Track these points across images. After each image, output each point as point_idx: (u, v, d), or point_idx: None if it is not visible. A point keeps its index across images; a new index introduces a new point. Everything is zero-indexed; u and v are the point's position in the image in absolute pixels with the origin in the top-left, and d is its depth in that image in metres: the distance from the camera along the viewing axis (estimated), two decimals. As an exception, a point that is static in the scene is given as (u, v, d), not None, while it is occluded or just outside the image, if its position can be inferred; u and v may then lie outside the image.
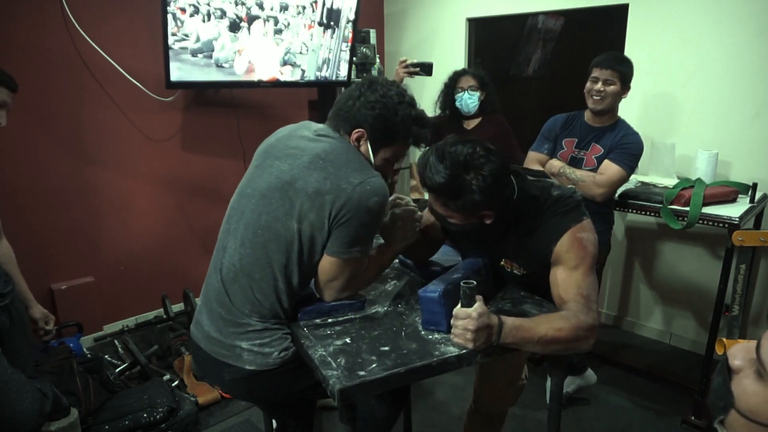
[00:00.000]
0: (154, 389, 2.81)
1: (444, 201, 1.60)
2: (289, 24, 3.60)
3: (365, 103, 1.64)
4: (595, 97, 2.76)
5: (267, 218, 1.61)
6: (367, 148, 1.67)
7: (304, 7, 3.62)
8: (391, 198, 1.81)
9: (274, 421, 2.26)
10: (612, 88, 2.72)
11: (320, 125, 1.76)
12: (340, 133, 1.69)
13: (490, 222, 1.64)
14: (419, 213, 1.85)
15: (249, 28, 3.44)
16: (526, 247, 1.72)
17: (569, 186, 1.77)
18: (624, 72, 2.72)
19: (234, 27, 3.38)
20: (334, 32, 3.82)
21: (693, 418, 2.85)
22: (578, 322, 1.53)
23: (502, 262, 1.86)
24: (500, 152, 1.60)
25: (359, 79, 4.11)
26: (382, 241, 1.87)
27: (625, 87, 2.75)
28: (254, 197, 1.66)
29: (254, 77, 3.60)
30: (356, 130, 1.66)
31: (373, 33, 4.27)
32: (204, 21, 3.26)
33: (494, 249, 1.84)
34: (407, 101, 1.67)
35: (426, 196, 4.43)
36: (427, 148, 1.65)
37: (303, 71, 3.78)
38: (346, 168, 1.58)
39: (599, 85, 2.74)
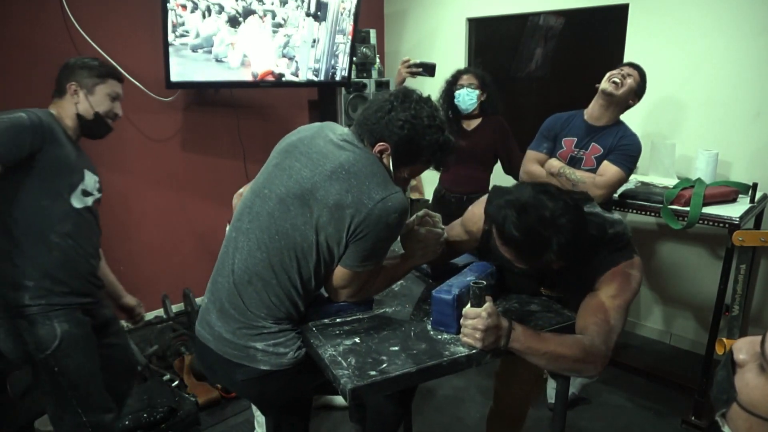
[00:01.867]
0: (154, 389, 2.81)
1: (517, 253, 1.54)
2: (288, 17, 3.59)
3: (395, 120, 1.59)
4: (614, 80, 2.70)
5: (285, 225, 1.58)
6: (388, 162, 1.64)
7: (303, 0, 3.61)
8: (420, 213, 1.79)
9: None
10: (630, 81, 2.70)
11: (345, 130, 1.72)
12: (364, 143, 1.65)
13: (557, 267, 1.59)
14: (445, 236, 1.80)
15: (246, 22, 3.44)
16: (575, 280, 1.69)
17: (617, 216, 1.73)
18: (641, 78, 2.73)
19: (233, 22, 3.38)
20: (326, 24, 3.81)
21: (693, 418, 2.87)
22: (591, 347, 1.51)
23: (542, 291, 1.85)
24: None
25: (359, 80, 4.12)
26: (399, 249, 1.85)
27: (637, 97, 2.75)
28: (271, 200, 1.62)
29: (251, 71, 3.60)
30: (380, 144, 1.61)
31: (373, 33, 4.27)
32: (204, 17, 3.26)
33: (539, 280, 1.82)
34: (437, 125, 1.62)
35: (427, 196, 4.41)
36: (504, 191, 1.59)
37: (297, 63, 3.77)
38: (369, 182, 1.54)
39: (621, 72, 2.72)
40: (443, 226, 1.80)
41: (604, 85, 2.75)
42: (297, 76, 3.81)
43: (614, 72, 2.75)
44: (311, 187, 1.56)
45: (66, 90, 2.03)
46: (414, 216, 1.80)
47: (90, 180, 2.07)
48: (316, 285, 1.65)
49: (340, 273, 1.63)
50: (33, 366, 1.98)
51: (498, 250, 1.61)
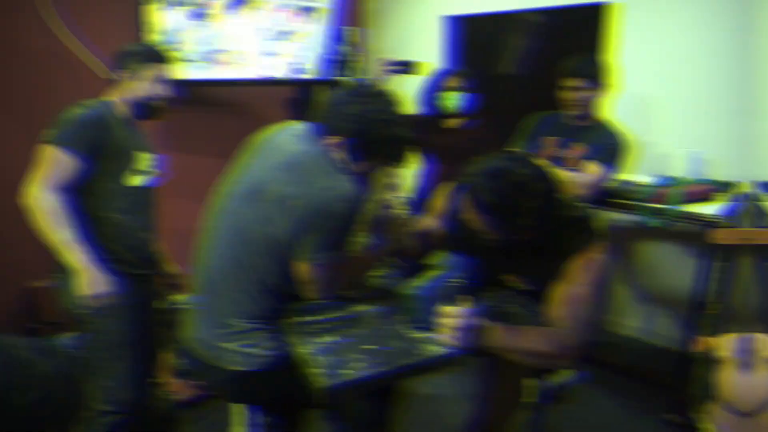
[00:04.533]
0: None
1: (491, 221, 1.53)
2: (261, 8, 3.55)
3: (345, 114, 1.60)
4: (572, 107, 2.78)
5: (243, 220, 1.62)
6: (342, 156, 1.64)
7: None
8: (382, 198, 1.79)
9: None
10: (583, 94, 2.74)
11: (304, 126, 1.74)
12: (318, 137, 1.66)
13: (525, 239, 1.59)
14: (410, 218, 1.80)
15: (214, 17, 3.37)
16: (538, 264, 1.69)
17: (580, 204, 1.74)
18: (591, 74, 2.73)
19: (197, 16, 3.29)
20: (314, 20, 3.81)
21: (671, 415, 2.88)
22: (563, 341, 1.52)
23: (507, 280, 1.85)
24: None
25: (344, 77, 4.10)
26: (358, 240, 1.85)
27: (597, 86, 2.76)
28: (234, 198, 1.68)
29: (227, 71, 3.57)
30: (332, 137, 1.62)
31: (355, 31, 4.25)
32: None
33: (501, 262, 1.82)
34: (388, 120, 1.61)
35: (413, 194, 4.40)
36: (477, 159, 1.58)
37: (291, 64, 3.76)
38: (314, 173, 1.56)
39: (570, 95, 2.75)
40: (406, 209, 1.79)
41: (571, 113, 2.85)
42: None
43: (564, 98, 2.82)
44: (262, 181, 1.60)
45: (118, 77, 2.22)
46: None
47: (143, 159, 2.25)
48: (279, 280, 1.63)
49: (301, 267, 1.62)
50: (79, 320, 2.16)
51: (465, 224, 1.61)
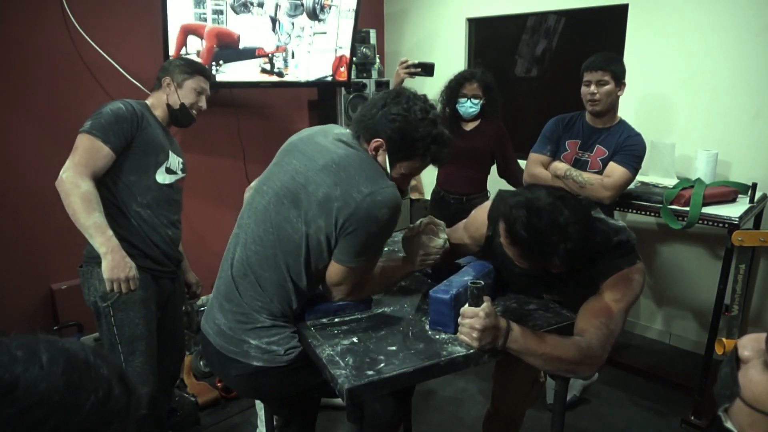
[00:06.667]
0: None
1: (522, 253, 1.54)
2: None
3: (387, 114, 1.61)
4: (591, 100, 2.76)
5: (278, 218, 1.62)
6: (384, 159, 1.65)
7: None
8: (425, 220, 1.79)
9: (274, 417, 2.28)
10: (606, 88, 2.71)
11: (343, 130, 1.75)
12: (359, 141, 1.67)
13: (556, 272, 1.59)
14: (447, 246, 1.78)
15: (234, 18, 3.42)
16: (576, 285, 1.70)
17: (621, 223, 1.72)
18: (614, 70, 2.71)
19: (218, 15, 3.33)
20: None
21: (693, 417, 2.87)
22: (588, 350, 1.51)
23: (544, 296, 1.86)
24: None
25: (359, 80, 4.12)
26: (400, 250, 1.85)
27: (619, 84, 2.74)
28: (268, 195, 1.67)
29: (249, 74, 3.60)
30: (375, 140, 1.63)
31: (373, 33, 4.27)
32: None
33: (539, 284, 1.82)
34: (430, 118, 1.62)
35: (427, 196, 4.40)
36: (516, 192, 1.58)
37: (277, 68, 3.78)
38: (358, 176, 1.56)
39: (592, 88, 2.73)
40: (446, 236, 1.78)
41: (588, 107, 2.82)
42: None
43: (586, 92, 2.78)
44: (304, 181, 1.60)
45: (161, 84, 2.36)
46: (418, 221, 1.81)
47: (174, 160, 2.36)
48: (307, 282, 1.64)
49: (333, 269, 1.63)
50: (97, 314, 2.20)
51: (500, 248, 1.61)
